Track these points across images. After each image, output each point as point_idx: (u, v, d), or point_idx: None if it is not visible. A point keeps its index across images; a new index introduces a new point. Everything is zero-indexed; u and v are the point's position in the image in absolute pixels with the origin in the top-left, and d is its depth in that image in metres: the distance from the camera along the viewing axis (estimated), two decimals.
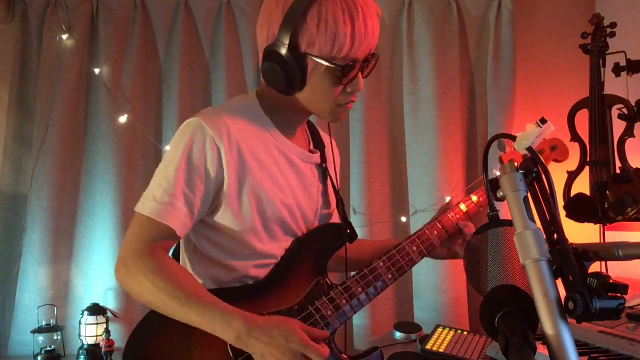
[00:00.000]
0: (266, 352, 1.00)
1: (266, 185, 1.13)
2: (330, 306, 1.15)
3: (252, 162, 1.12)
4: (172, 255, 1.26)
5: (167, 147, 1.30)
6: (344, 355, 1.16)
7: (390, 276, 1.22)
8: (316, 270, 1.20)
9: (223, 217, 1.12)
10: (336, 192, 1.28)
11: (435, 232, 1.29)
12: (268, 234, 1.15)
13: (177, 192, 1.06)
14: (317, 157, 1.25)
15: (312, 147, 1.28)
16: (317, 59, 1.06)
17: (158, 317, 1.07)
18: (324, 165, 1.27)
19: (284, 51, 1.04)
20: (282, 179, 1.16)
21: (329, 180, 1.28)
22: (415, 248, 1.26)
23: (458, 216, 1.33)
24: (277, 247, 1.18)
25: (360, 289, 1.18)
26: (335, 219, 1.30)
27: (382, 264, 1.22)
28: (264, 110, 1.18)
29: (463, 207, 1.35)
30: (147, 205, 1.07)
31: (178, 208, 1.06)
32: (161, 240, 1.08)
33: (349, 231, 1.24)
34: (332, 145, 1.33)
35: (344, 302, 1.16)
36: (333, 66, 1.06)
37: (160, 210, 1.06)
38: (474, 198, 1.37)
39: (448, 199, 2.18)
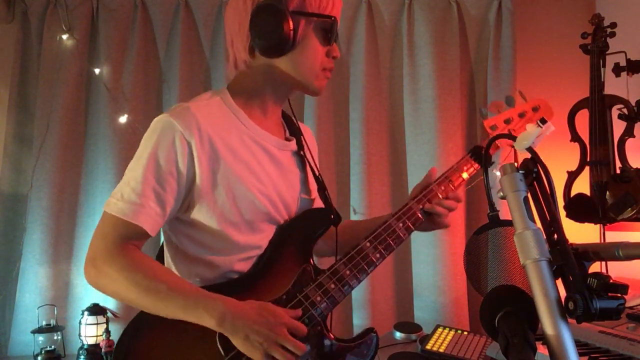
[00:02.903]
0: (251, 332, 1.00)
1: (243, 176, 1.12)
2: (319, 292, 1.14)
3: (226, 155, 1.11)
4: (156, 257, 1.26)
5: None
6: (331, 335, 1.16)
7: (377, 255, 1.19)
8: (302, 257, 1.18)
9: (200, 213, 1.11)
10: (316, 177, 1.27)
11: (421, 206, 1.26)
12: (249, 226, 1.14)
13: (145, 190, 1.05)
14: (293, 145, 1.24)
15: (287, 135, 1.27)
16: (307, 15, 1.10)
17: (147, 316, 1.06)
18: (301, 152, 1.26)
19: (277, 5, 1.08)
20: (260, 169, 1.15)
21: (307, 166, 1.27)
22: (401, 224, 1.23)
23: (443, 188, 1.29)
24: (260, 238, 1.17)
25: (348, 272, 1.16)
26: (318, 205, 1.28)
27: (368, 243, 1.20)
28: (236, 101, 1.17)
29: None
30: (114, 204, 1.06)
31: (148, 206, 1.05)
32: (131, 239, 1.06)
33: (332, 216, 1.23)
34: (309, 133, 1.34)
35: (333, 286, 1.15)
36: (322, 19, 1.12)
37: (128, 209, 1.04)
38: (464, 175, 1.33)
39: None
